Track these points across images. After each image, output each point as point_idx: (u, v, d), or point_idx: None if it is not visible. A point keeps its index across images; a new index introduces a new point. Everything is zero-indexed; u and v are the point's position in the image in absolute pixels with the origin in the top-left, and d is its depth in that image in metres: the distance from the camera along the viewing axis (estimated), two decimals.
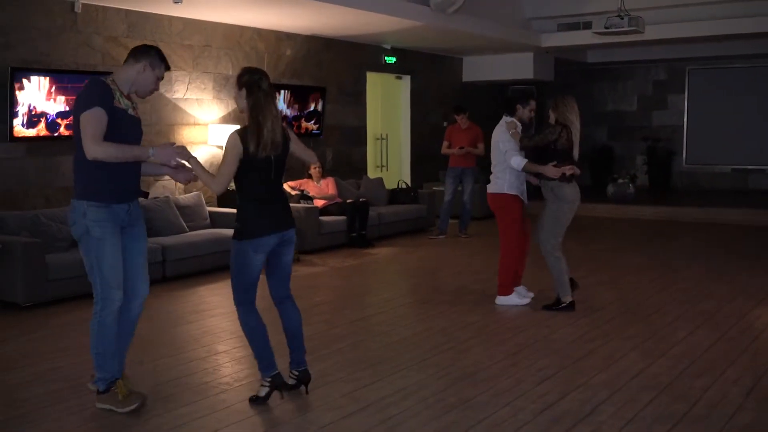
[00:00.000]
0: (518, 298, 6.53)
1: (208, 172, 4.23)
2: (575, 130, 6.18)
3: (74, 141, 3.99)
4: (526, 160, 6.19)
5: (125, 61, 4.18)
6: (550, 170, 6.07)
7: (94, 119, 3.83)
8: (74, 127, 3.97)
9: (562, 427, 3.84)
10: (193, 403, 4.22)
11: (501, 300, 6.53)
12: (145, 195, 4.30)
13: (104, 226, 3.97)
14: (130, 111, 4.09)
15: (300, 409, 4.14)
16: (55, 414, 4.08)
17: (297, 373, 4.34)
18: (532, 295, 6.66)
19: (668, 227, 11.62)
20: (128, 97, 4.12)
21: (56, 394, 4.38)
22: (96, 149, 3.82)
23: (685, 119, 15.81)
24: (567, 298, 6.28)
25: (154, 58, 4.14)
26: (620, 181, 13.84)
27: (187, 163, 4.21)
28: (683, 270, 8.10)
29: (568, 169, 6.08)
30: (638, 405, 4.14)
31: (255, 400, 4.20)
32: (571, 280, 6.35)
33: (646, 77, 16.25)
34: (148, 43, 8.35)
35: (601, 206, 13.13)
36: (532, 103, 6.49)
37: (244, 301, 4.20)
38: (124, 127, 4.01)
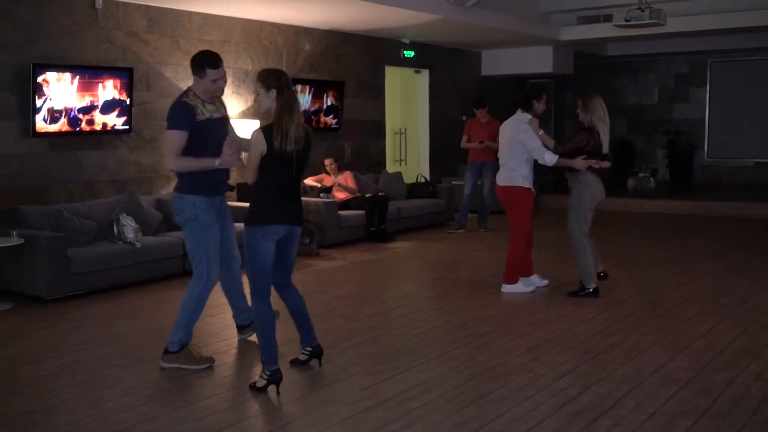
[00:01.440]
0: (524, 286, 6.75)
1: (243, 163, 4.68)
2: (605, 126, 6.52)
3: None
4: (557, 156, 6.46)
5: None
6: (579, 163, 6.41)
7: (173, 139, 4.58)
8: None
9: (583, 422, 3.83)
10: (214, 396, 4.26)
11: (507, 288, 6.75)
12: (232, 188, 4.89)
13: (209, 214, 4.71)
14: (215, 114, 4.73)
15: (320, 403, 4.15)
16: (79, 406, 4.12)
17: (310, 349, 4.67)
18: (546, 282, 6.91)
19: (689, 221, 11.53)
20: (211, 102, 4.73)
21: (80, 386, 4.43)
22: (172, 164, 4.67)
23: (707, 112, 15.66)
24: (591, 285, 6.51)
25: (200, 69, 4.66)
26: (641, 175, 13.74)
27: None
28: (704, 264, 8.04)
29: (594, 163, 6.40)
30: (660, 399, 4.12)
31: (252, 388, 4.34)
32: (604, 273, 6.90)
33: (667, 70, 16.11)
34: (168, 37, 8.46)
35: (622, 200, 13.04)
36: (545, 97, 6.81)
37: (258, 291, 4.34)
38: (212, 132, 4.66)
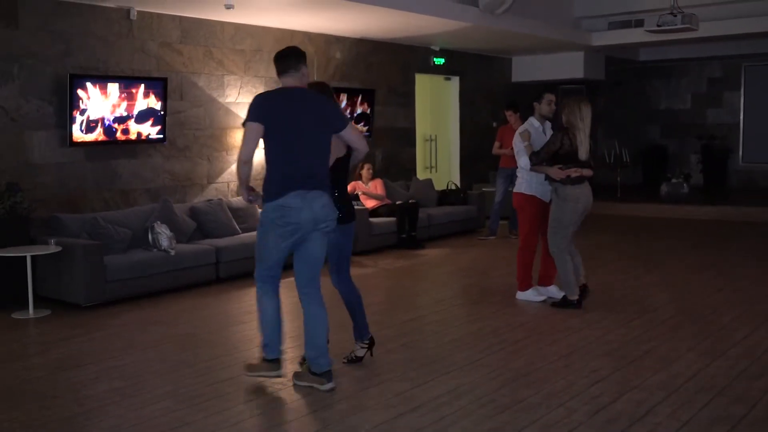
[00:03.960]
0: (535, 294, 6.68)
1: None
2: (579, 132, 6.22)
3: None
4: (531, 163, 6.38)
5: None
6: (554, 172, 6.23)
7: None
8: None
9: (616, 429, 3.81)
10: (249, 402, 4.30)
11: (519, 295, 6.73)
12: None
13: None
14: None
15: (353, 409, 4.18)
16: (117, 410, 4.20)
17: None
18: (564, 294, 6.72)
19: (723, 227, 11.38)
20: None
21: (118, 391, 4.51)
22: None
23: (742, 117, 15.45)
24: (573, 297, 6.36)
25: None
26: (674, 180, 13.60)
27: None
28: (740, 270, 7.93)
29: (573, 172, 6.17)
30: (695, 407, 4.08)
31: (353, 360, 4.91)
32: (584, 287, 6.46)
33: (700, 75, 15.93)
34: (201, 47, 8.57)
35: (655, 206, 12.92)
36: (547, 96, 6.67)
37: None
38: None
